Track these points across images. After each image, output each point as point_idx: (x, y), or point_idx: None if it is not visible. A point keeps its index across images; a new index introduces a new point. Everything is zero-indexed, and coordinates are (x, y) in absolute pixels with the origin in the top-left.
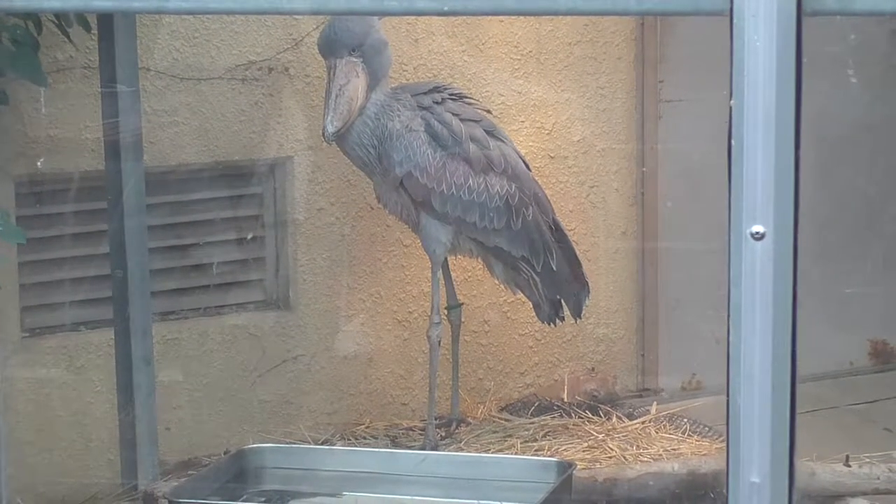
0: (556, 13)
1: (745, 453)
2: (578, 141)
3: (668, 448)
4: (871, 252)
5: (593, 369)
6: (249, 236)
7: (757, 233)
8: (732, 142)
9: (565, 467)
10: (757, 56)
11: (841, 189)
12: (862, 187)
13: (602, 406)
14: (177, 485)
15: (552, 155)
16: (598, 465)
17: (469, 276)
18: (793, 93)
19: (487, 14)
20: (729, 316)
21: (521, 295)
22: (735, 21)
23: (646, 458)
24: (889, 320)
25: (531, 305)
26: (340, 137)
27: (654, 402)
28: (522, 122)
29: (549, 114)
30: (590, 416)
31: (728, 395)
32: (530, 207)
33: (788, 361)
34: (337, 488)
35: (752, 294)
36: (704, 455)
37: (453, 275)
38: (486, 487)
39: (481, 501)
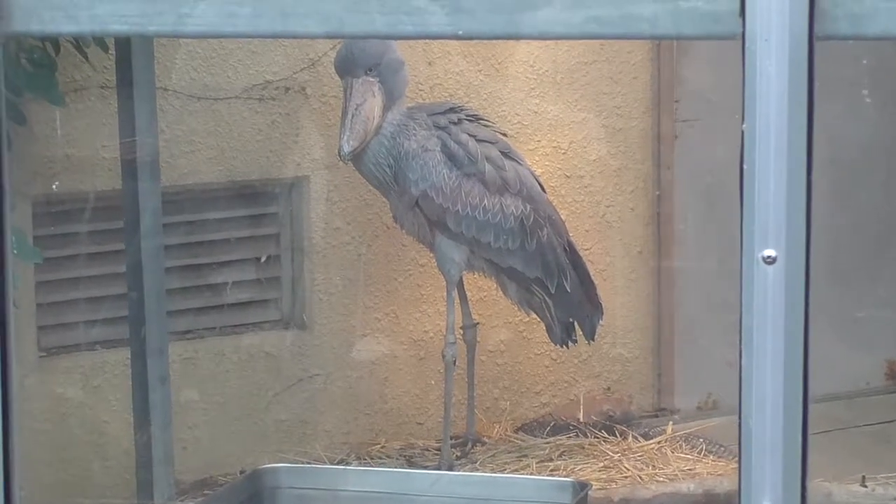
0: (570, 38)
1: (757, 477)
2: (594, 160)
3: (684, 468)
4: (888, 273)
5: (609, 389)
6: (263, 259)
7: (769, 257)
8: (744, 166)
9: (580, 487)
10: (769, 80)
11: (857, 209)
12: (877, 208)
13: (618, 426)
14: None
15: (568, 174)
16: (613, 486)
17: (485, 296)
18: (805, 116)
19: (501, 38)
20: (741, 340)
21: (534, 316)
22: (747, 45)
23: (661, 479)
24: None
25: (544, 326)
26: (356, 157)
27: (670, 422)
28: (538, 141)
29: (565, 133)
30: (605, 435)
31: (740, 419)
32: (545, 229)
33: (800, 385)
34: None
35: (763, 318)
36: (720, 475)
37: (468, 294)
38: None
39: None
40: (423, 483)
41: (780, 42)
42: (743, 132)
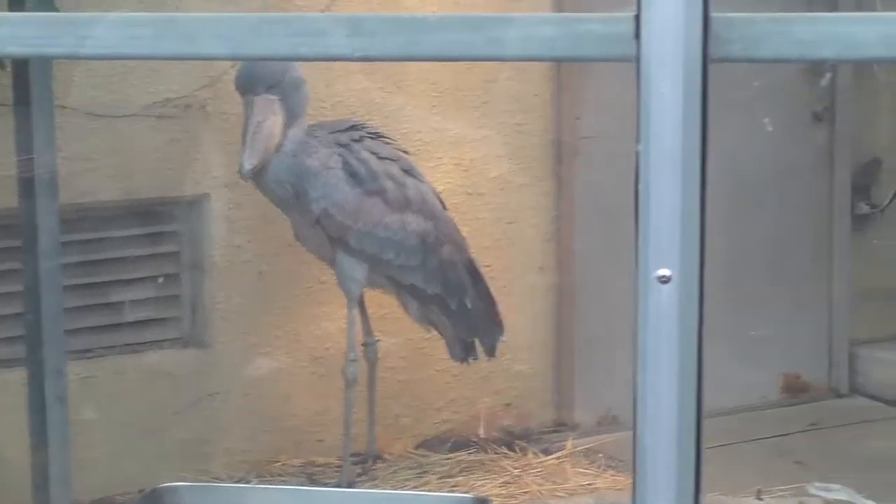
0: (468, 59)
1: (651, 493)
2: (496, 177)
3: (584, 483)
4: (783, 290)
5: (510, 405)
6: (160, 279)
7: (663, 276)
8: (639, 186)
9: (480, 503)
10: (663, 102)
11: (753, 228)
12: (771, 227)
13: (518, 441)
14: None
15: (469, 191)
16: (513, 501)
17: (385, 313)
18: (699, 138)
19: (400, 60)
20: (635, 358)
21: (435, 332)
22: (642, 67)
23: (561, 494)
24: (800, 354)
25: (445, 343)
26: (257, 174)
27: (570, 438)
28: (440, 158)
29: (466, 150)
30: (506, 451)
31: (634, 436)
32: (446, 246)
33: (694, 402)
34: None
35: (657, 337)
36: (620, 490)
37: (370, 311)
38: None
39: None
40: (324, 500)
41: (675, 64)
42: (638, 153)
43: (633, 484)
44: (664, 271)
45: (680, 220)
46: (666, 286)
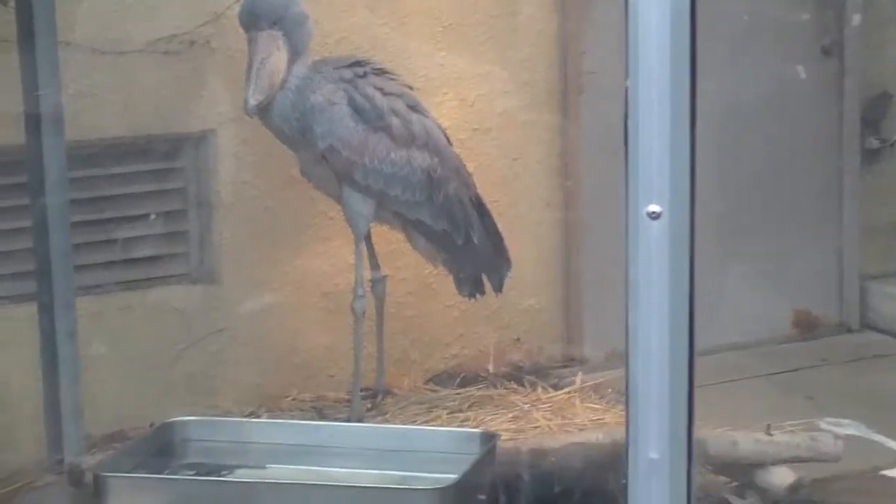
0: None
1: (643, 429)
2: (501, 113)
3: (593, 418)
4: (793, 223)
5: (518, 339)
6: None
7: (653, 212)
8: (628, 122)
9: (489, 438)
10: (651, 36)
11: (761, 163)
12: (778, 161)
13: (527, 377)
14: (102, 458)
15: (475, 127)
16: (522, 436)
17: (393, 249)
18: (688, 72)
19: None
20: (627, 294)
21: (442, 268)
22: (630, 1)
23: (570, 429)
24: (811, 290)
25: (452, 279)
26: (262, 110)
27: (579, 373)
28: (445, 94)
29: (471, 86)
30: (515, 386)
31: (627, 372)
32: (452, 181)
33: (686, 338)
34: (262, 461)
35: (648, 272)
36: None
37: (377, 247)
38: (411, 459)
39: (405, 473)
40: (333, 435)
41: None
42: (627, 89)
43: (627, 419)
44: (654, 207)
45: (669, 155)
46: (656, 222)
